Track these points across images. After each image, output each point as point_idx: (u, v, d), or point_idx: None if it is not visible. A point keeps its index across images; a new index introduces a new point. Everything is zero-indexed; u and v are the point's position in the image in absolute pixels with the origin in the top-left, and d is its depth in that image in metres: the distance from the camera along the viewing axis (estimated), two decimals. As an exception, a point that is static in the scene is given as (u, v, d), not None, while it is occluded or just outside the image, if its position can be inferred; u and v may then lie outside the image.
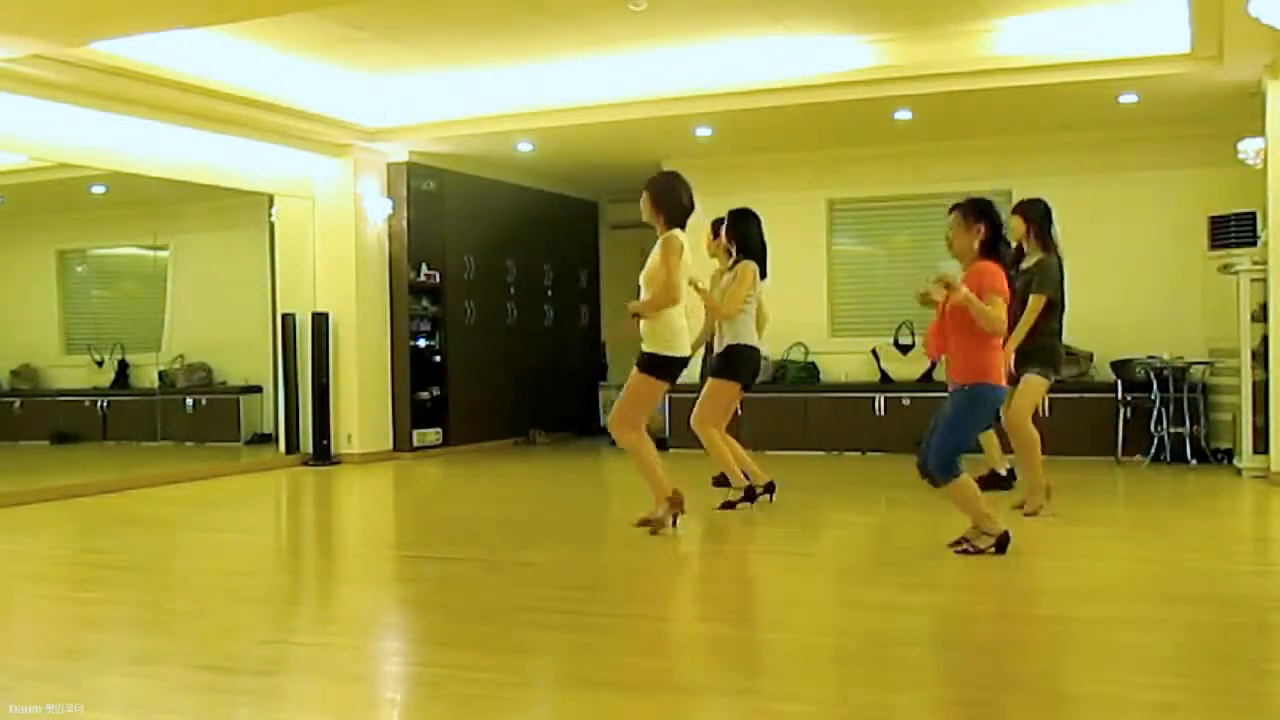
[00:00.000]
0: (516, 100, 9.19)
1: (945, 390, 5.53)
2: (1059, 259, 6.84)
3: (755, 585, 5.54)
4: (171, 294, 10.87)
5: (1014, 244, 6.65)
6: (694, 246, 7.31)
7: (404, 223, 10.47)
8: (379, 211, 10.34)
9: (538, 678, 3.88)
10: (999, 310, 5.21)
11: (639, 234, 6.46)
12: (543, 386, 12.10)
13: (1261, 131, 7.90)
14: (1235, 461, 8.45)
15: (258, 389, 10.89)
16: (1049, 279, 6.72)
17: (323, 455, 10.05)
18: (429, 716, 3.49)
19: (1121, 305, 9.75)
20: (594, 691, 3.59)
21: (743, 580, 5.68)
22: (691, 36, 8.29)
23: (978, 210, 5.44)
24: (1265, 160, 7.88)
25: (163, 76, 7.86)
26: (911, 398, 9.96)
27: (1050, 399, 9.22)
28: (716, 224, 7.41)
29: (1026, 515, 6.34)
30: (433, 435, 10.76)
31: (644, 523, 6.24)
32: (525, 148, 10.38)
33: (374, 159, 10.30)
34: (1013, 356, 6.50)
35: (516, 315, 11.88)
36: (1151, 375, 8.99)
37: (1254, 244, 8.36)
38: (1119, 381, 9.29)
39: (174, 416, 10.77)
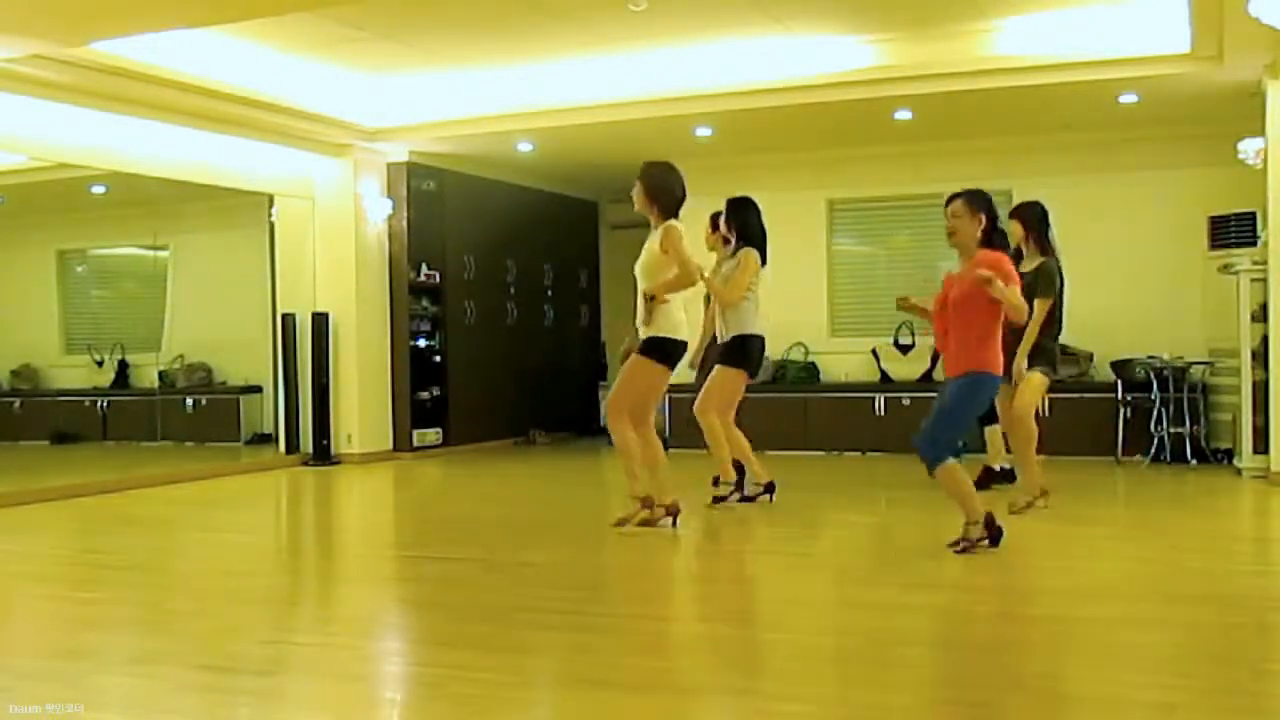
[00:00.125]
0: (516, 100, 9.19)
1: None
2: (1057, 261, 6.84)
3: (755, 585, 5.54)
4: (171, 294, 10.88)
5: (1013, 246, 6.65)
6: (689, 237, 7.35)
7: (404, 223, 10.47)
8: (379, 211, 10.34)
9: (538, 678, 3.88)
10: (1022, 299, 5.30)
11: (639, 234, 6.45)
12: (543, 386, 12.10)
13: (1261, 131, 7.90)
14: (1235, 461, 8.45)
15: (258, 389, 10.89)
16: (1049, 283, 6.72)
17: (323, 455, 10.05)
18: (429, 716, 3.49)
19: (1121, 305, 9.75)
20: (594, 691, 3.59)
21: (743, 580, 5.68)
22: (691, 36, 8.29)
23: (981, 200, 5.47)
24: (1265, 160, 7.88)
25: (163, 76, 7.86)
26: (911, 398, 9.96)
27: (1050, 399, 9.20)
28: (715, 217, 7.43)
29: (1013, 513, 6.28)
30: (433, 435, 10.76)
31: (644, 522, 6.24)
32: (525, 148, 10.38)
33: (374, 159, 10.30)
34: (1024, 361, 6.49)
35: (516, 315, 11.88)
36: (1151, 375, 8.99)
37: (1254, 244, 8.36)
38: (1119, 381, 9.29)
39: (174, 416, 10.77)
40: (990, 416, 7.08)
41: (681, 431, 8.98)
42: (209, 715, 3.47)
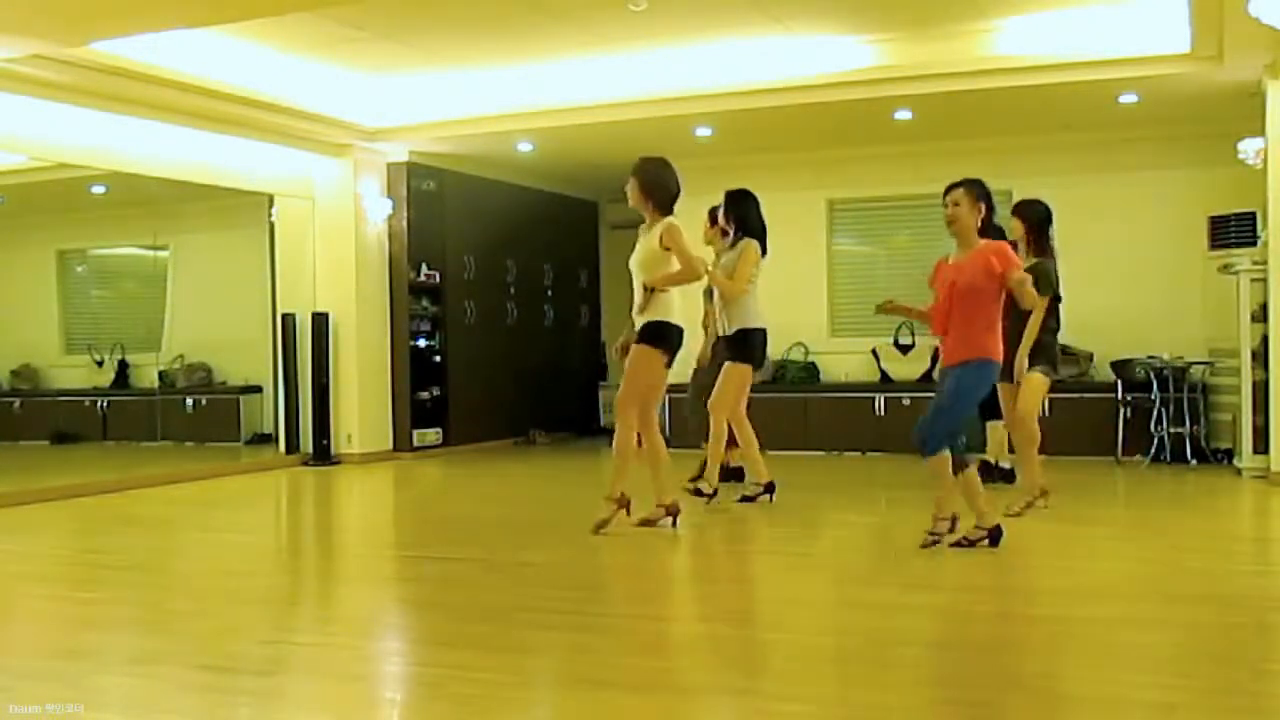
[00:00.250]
0: (516, 100, 9.19)
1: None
2: (1054, 261, 6.81)
3: (755, 585, 5.54)
4: (171, 294, 10.88)
5: (1010, 240, 6.64)
6: (688, 235, 7.35)
7: (404, 223, 10.47)
8: (379, 211, 10.34)
9: (538, 678, 3.88)
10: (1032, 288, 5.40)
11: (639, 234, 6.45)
12: (543, 386, 12.10)
13: (1261, 131, 7.90)
14: (1235, 461, 8.45)
15: (258, 389, 10.89)
16: (1046, 283, 6.70)
17: (323, 455, 10.05)
18: (429, 716, 3.49)
19: (1121, 305, 9.75)
20: (594, 691, 3.59)
21: (743, 580, 5.68)
22: (691, 36, 8.29)
23: (981, 189, 5.49)
24: (1265, 160, 7.88)
25: (163, 76, 7.86)
26: (911, 398, 9.96)
27: (1050, 399, 9.18)
28: (713, 211, 7.45)
29: (1009, 516, 6.25)
30: (433, 435, 10.76)
31: (643, 522, 6.25)
32: (525, 148, 10.38)
33: (374, 159, 10.30)
34: (1025, 360, 6.48)
35: (516, 315, 11.87)
36: (1151, 375, 8.99)
37: (1254, 244, 8.36)
38: (1119, 381, 9.29)
39: (174, 416, 10.77)
40: (994, 412, 7.07)
41: (682, 431, 8.97)
42: (209, 715, 3.47)
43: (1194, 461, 8.83)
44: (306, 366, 10.09)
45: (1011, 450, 7.26)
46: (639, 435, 6.21)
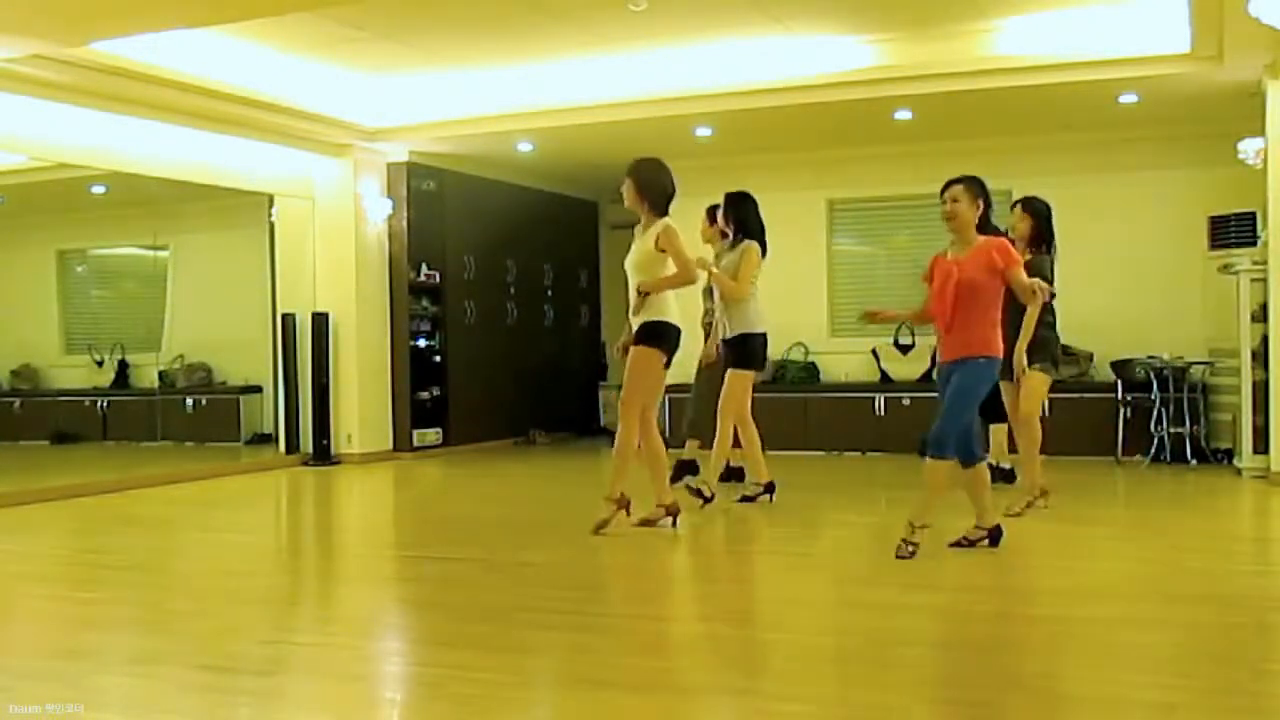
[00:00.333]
0: (516, 100, 9.19)
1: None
2: (1051, 259, 6.79)
3: (755, 585, 5.54)
4: (171, 294, 10.88)
5: (1015, 235, 6.64)
6: (686, 234, 7.36)
7: (404, 223, 10.47)
8: (379, 211, 10.34)
9: (538, 678, 3.88)
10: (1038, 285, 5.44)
11: (639, 234, 6.45)
12: (543, 386, 12.10)
13: (1261, 131, 7.90)
14: (1235, 461, 8.45)
15: (258, 389, 10.89)
16: (1041, 277, 6.67)
17: (323, 455, 10.05)
18: (429, 716, 3.49)
19: (1121, 305, 9.75)
20: (594, 691, 3.59)
21: (743, 580, 5.68)
22: (691, 36, 8.29)
23: (979, 185, 5.49)
24: (1265, 160, 7.88)
25: (163, 76, 7.86)
26: (911, 398, 9.96)
27: (1050, 399, 9.18)
28: (712, 210, 7.45)
29: (1009, 516, 6.25)
30: (433, 435, 10.76)
31: (643, 522, 6.25)
32: (525, 148, 10.38)
33: (374, 159, 10.30)
34: (1024, 357, 6.47)
35: (516, 315, 11.87)
36: (1151, 375, 9.00)
37: (1254, 244, 8.36)
38: (1119, 381, 9.30)
39: (174, 416, 10.77)
40: (998, 415, 7.06)
41: (680, 432, 8.97)
42: (209, 715, 3.47)
43: (1194, 461, 8.83)
44: (306, 366, 10.09)
45: (1012, 450, 7.25)
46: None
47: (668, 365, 6.21)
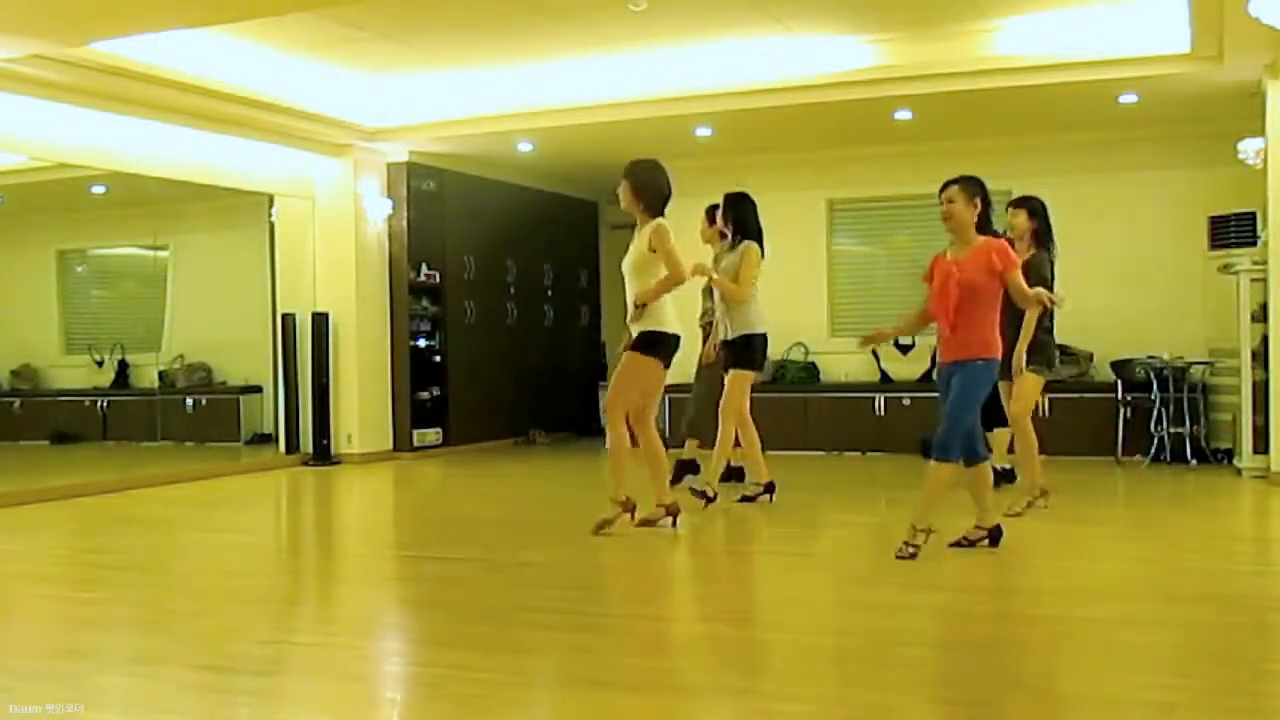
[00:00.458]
0: (516, 100, 9.19)
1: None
2: (1050, 256, 6.78)
3: (755, 585, 5.54)
4: (171, 294, 10.88)
5: (1014, 235, 6.64)
6: (684, 236, 7.36)
7: (404, 223, 10.47)
8: (379, 211, 10.34)
9: (538, 678, 3.88)
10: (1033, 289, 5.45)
11: (639, 234, 6.44)
12: (543, 386, 12.10)
13: (1261, 131, 7.90)
14: (1235, 461, 8.45)
15: (258, 389, 10.90)
16: (1039, 276, 6.68)
17: (323, 455, 10.05)
18: (429, 716, 3.49)
19: (1121, 305, 9.75)
20: (594, 691, 3.59)
21: (743, 580, 5.68)
22: (691, 36, 8.29)
23: (976, 185, 5.49)
24: (1265, 160, 7.88)
25: (163, 76, 7.86)
26: (911, 398, 9.96)
27: (1050, 399, 9.24)
28: (711, 210, 7.45)
29: (1009, 516, 6.24)
30: (433, 435, 10.76)
31: (643, 522, 6.25)
32: (525, 148, 10.38)
33: (374, 159, 10.30)
34: (1023, 357, 6.47)
35: (516, 315, 11.87)
36: (1151, 375, 8.99)
37: (1254, 244, 8.36)
38: (1119, 381, 9.29)
39: (174, 416, 10.77)
40: (1000, 419, 7.05)
41: (680, 432, 8.97)
42: (209, 715, 3.47)
43: (1194, 461, 8.83)
44: (306, 366, 10.09)
45: (1012, 451, 7.25)
46: (634, 438, 6.21)
47: (666, 367, 6.22)
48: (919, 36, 8.09)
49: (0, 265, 10.79)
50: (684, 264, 6.06)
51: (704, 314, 7.94)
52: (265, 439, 10.72)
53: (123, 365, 10.81)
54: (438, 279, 10.78)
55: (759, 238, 7.06)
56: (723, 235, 7.26)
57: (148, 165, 8.94)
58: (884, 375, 10.50)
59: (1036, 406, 6.86)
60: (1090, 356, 9.73)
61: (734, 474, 7.57)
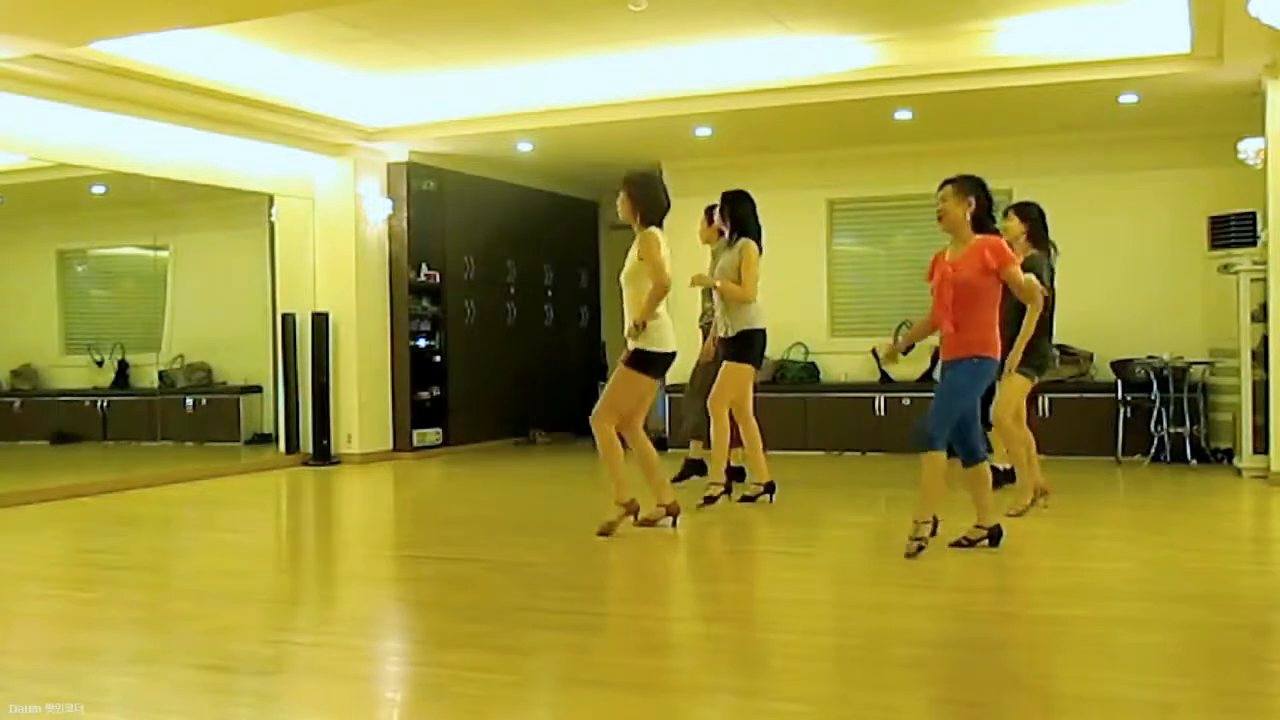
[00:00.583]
0: (516, 100, 9.19)
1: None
2: (1049, 259, 6.77)
3: (755, 585, 5.54)
4: (171, 294, 10.87)
5: (1008, 240, 6.63)
6: (684, 237, 7.37)
7: (404, 223, 10.47)
8: (379, 211, 10.34)
9: (538, 678, 3.88)
10: (1034, 282, 5.48)
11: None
12: (543, 386, 12.10)
13: (1261, 131, 7.90)
14: (1235, 461, 8.45)
15: (258, 389, 10.89)
16: (1038, 277, 6.66)
17: (323, 455, 10.05)
18: (429, 716, 3.49)
19: (1121, 305, 9.75)
20: (594, 691, 3.59)
21: (743, 580, 5.68)
22: (691, 36, 8.29)
23: (970, 184, 5.49)
24: (1265, 160, 7.88)
25: (163, 76, 7.86)
26: (911, 398, 9.96)
27: (1050, 399, 9.25)
28: (710, 210, 7.45)
29: (1011, 516, 6.24)
30: (433, 435, 10.76)
31: (644, 522, 6.25)
32: (525, 148, 10.38)
33: (374, 159, 10.30)
34: (1017, 358, 6.43)
35: (516, 315, 11.88)
36: (1151, 375, 9.00)
37: (1254, 244, 8.36)
38: (1119, 381, 9.29)
39: (174, 416, 10.76)
40: None
41: (680, 431, 8.98)
42: (209, 715, 3.47)
43: (1194, 461, 8.83)
44: (306, 366, 10.09)
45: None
46: (624, 441, 6.20)
47: (660, 379, 6.22)
48: (919, 36, 8.09)
49: (0, 265, 10.79)
50: (668, 273, 5.98)
51: (704, 314, 7.94)
52: (265, 439, 10.72)
53: (123, 365, 10.80)
54: (438, 279, 10.78)
55: (758, 236, 7.06)
56: (721, 233, 7.26)
57: (148, 165, 8.94)
58: (884, 375, 10.50)
59: (1036, 407, 6.88)
60: (1090, 356, 9.73)
61: (735, 474, 7.56)
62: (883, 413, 10.16)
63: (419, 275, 10.60)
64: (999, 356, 5.48)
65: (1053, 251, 6.79)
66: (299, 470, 9.85)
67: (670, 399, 10.14)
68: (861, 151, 10.51)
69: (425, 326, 10.77)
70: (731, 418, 6.99)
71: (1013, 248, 6.70)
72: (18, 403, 10.80)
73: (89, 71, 7.44)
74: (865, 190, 10.86)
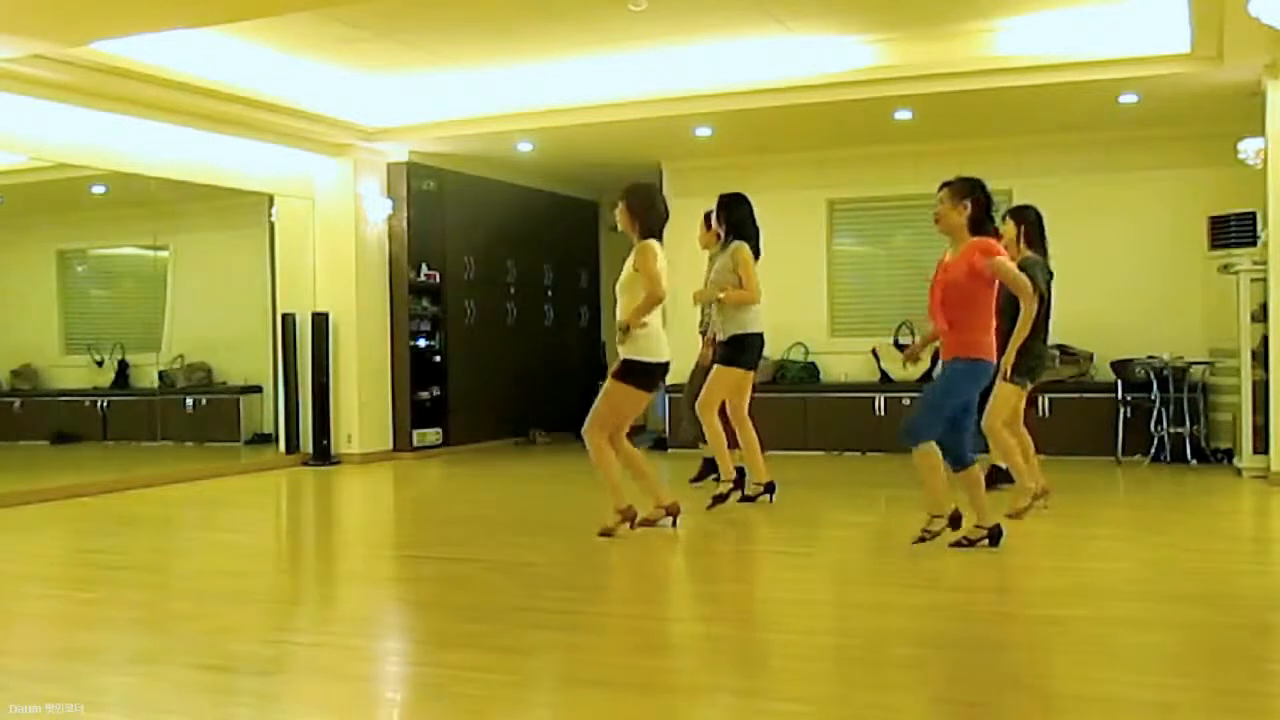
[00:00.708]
0: (516, 100, 9.19)
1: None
2: (1044, 262, 6.75)
3: (755, 585, 5.54)
4: (171, 294, 10.87)
5: (1003, 243, 6.63)
6: (684, 238, 7.37)
7: (404, 223, 10.47)
8: (379, 211, 10.35)
9: (538, 678, 3.88)
10: (1026, 279, 5.48)
11: (639, 235, 6.44)
12: (542, 386, 12.10)
13: (1261, 131, 7.90)
14: (1235, 461, 8.45)
15: (258, 389, 10.89)
16: (1031, 277, 6.64)
17: (323, 455, 10.05)
18: (429, 716, 3.49)
19: (1121, 305, 9.75)
20: (594, 691, 3.59)
21: (743, 580, 5.68)
22: (691, 36, 8.29)
23: (967, 186, 5.49)
24: (1265, 160, 7.88)
25: (163, 76, 7.86)
26: (911, 398, 9.93)
27: (1050, 399, 9.25)
28: (708, 215, 7.45)
29: (1010, 517, 6.23)
30: (433, 435, 10.76)
31: (643, 522, 6.24)
32: (525, 148, 10.38)
33: (374, 159, 10.30)
34: (1012, 359, 6.42)
35: (516, 315, 11.88)
36: (1151, 375, 8.99)
37: (1254, 244, 8.36)
38: (1119, 381, 9.29)
39: (174, 416, 10.76)
40: None
41: (680, 432, 8.97)
42: (209, 715, 3.47)
43: (1194, 461, 8.83)
44: (306, 366, 10.09)
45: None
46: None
47: (651, 392, 6.19)
48: (919, 36, 8.09)
49: (0, 265, 10.80)
50: (664, 285, 5.95)
51: (703, 320, 7.93)
52: (265, 439, 10.72)
53: (123, 365, 10.80)
54: (438, 279, 10.78)
55: (756, 238, 7.05)
56: (718, 237, 7.25)
57: (148, 165, 8.94)
58: (884, 375, 10.49)
59: (1036, 407, 6.88)
60: (1090, 356, 9.73)
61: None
62: (883, 413, 10.16)
63: (419, 275, 10.60)
64: (995, 359, 5.48)
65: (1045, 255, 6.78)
66: (299, 470, 9.86)
67: (670, 399, 10.14)
68: (861, 151, 10.51)
69: (425, 326, 10.77)
70: (727, 420, 6.98)
71: (1008, 250, 6.73)
72: (18, 403, 10.80)
73: (89, 71, 7.44)
74: (865, 190, 10.85)
